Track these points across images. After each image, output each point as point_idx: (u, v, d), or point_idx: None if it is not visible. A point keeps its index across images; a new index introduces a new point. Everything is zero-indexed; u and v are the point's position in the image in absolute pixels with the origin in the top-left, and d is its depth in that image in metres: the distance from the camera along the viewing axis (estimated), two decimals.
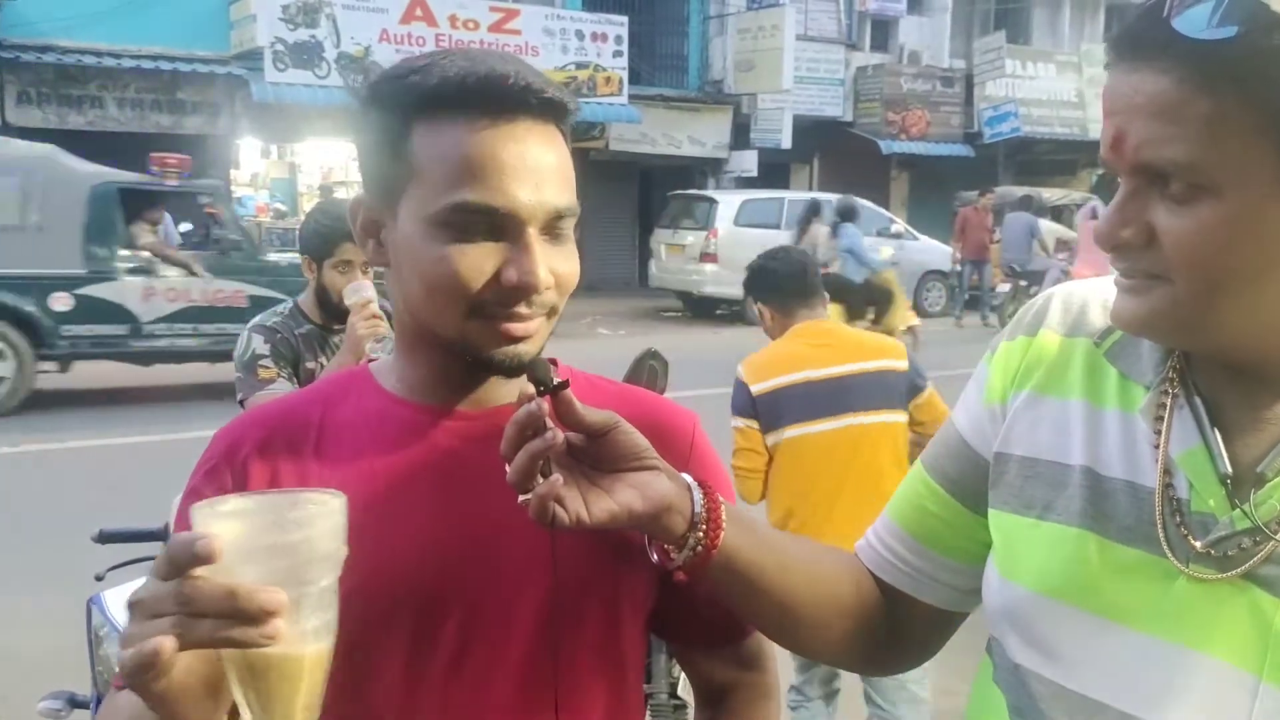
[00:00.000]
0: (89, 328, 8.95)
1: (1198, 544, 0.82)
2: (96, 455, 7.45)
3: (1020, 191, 17.94)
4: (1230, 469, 0.82)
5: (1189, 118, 0.74)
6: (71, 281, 8.87)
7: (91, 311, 8.93)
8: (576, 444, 0.91)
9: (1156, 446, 0.86)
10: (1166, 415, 0.87)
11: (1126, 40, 0.79)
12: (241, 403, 2.93)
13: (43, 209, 8.75)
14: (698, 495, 0.95)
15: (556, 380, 0.88)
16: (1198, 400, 0.86)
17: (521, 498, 0.87)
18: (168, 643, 0.70)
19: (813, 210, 12.24)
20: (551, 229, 0.97)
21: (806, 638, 1.07)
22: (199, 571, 0.71)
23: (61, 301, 8.83)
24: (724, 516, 0.95)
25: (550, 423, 0.86)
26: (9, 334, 8.70)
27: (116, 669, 2.37)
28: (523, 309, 0.96)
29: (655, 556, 0.98)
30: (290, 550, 0.74)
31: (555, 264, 0.97)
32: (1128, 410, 0.90)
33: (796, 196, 16.31)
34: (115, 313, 9.01)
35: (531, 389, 0.88)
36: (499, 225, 0.94)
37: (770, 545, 1.02)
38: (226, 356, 4.98)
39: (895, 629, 1.09)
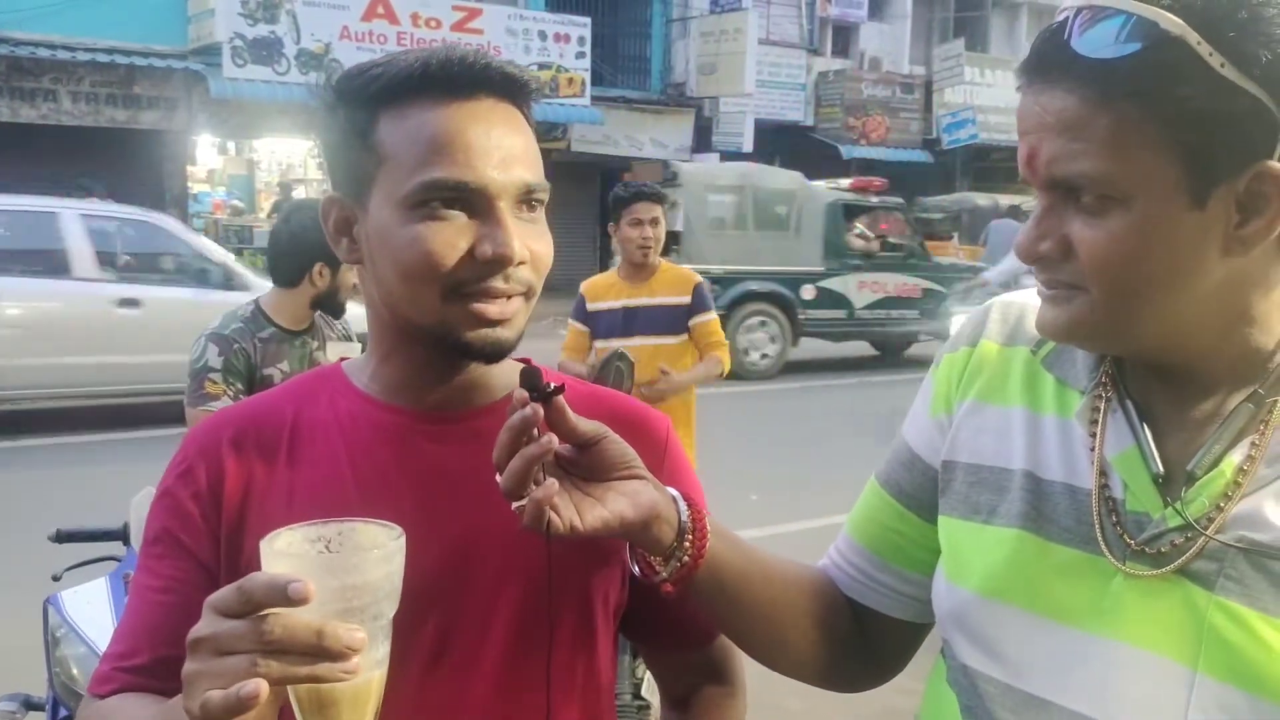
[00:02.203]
0: (822, 312, 12.05)
1: (1133, 542, 0.85)
2: (54, 453, 7.33)
3: (980, 198, 18.13)
4: (1162, 469, 0.86)
5: (1093, 133, 0.78)
6: (814, 276, 12.01)
7: (825, 300, 12.07)
8: (563, 454, 0.91)
9: (1092, 449, 0.90)
10: (1101, 419, 0.90)
11: (1033, 64, 0.83)
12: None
13: (798, 221, 12.05)
14: (683, 505, 0.95)
15: (553, 386, 0.88)
16: (1129, 403, 0.89)
17: (515, 504, 0.86)
18: (264, 685, 0.69)
19: None
20: (523, 205, 0.98)
21: (788, 652, 1.07)
22: (276, 610, 0.71)
23: (808, 292, 11.95)
24: (709, 527, 0.96)
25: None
26: (778, 315, 11.71)
27: (75, 672, 2.37)
28: (499, 283, 0.96)
29: (639, 570, 0.98)
30: (366, 589, 0.75)
31: (529, 242, 0.98)
32: (1064, 415, 0.93)
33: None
34: (840, 301, 12.16)
35: (525, 394, 0.86)
36: (470, 201, 0.95)
37: (752, 556, 1.02)
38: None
39: (866, 644, 1.10)
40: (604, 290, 4.09)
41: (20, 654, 3.29)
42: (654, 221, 3.92)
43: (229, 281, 8.06)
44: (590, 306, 4.08)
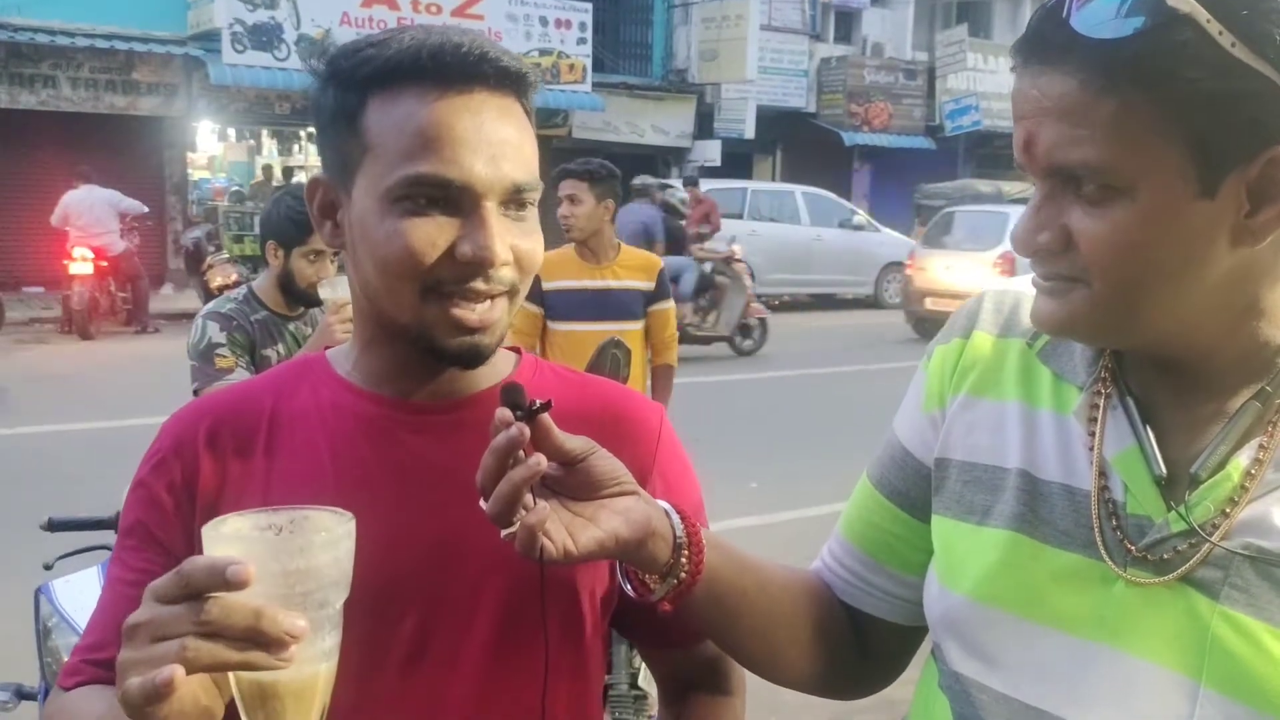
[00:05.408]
0: None
1: (1134, 548, 0.82)
2: (47, 442, 7.32)
3: (982, 184, 18.06)
4: (1164, 470, 0.82)
5: (1095, 119, 0.74)
6: None
7: None
8: (549, 473, 0.86)
9: (1091, 449, 0.86)
10: (1100, 416, 0.86)
11: (1031, 44, 0.78)
12: (196, 392, 2.87)
13: None
14: (676, 519, 0.92)
15: (538, 403, 0.83)
16: (1130, 401, 0.85)
17: (505, 532, 0.82)
18: (180, 671, 0.67)
19: None
20: (511, 204, 0.94)
21: (785, 663, 1.03)
22: (217, 594, 0.69)
23: None
24: (703, 540, 0.92)
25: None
26: None
27: (65, 659, 2.35)
28: (480, 284, 0.93)
29: (633, 591, 0.95)
30: (310, 574, 0.72)
31: (515, 239, 0.94)
32: (1062, 411, 0.89)
33: (759, 186, 16.38)
34: None
35: (508, 413, 0.81)
36: (454, 199, 0.92)
37: (745, 564, 0.99)
38: None
39: (863, 649, 1.07)
40: (560, 268, 3.89)
41: (12, 643, 3.28)
42: (571, 199, 3.88)
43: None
44: (546, 285, 3.86)
